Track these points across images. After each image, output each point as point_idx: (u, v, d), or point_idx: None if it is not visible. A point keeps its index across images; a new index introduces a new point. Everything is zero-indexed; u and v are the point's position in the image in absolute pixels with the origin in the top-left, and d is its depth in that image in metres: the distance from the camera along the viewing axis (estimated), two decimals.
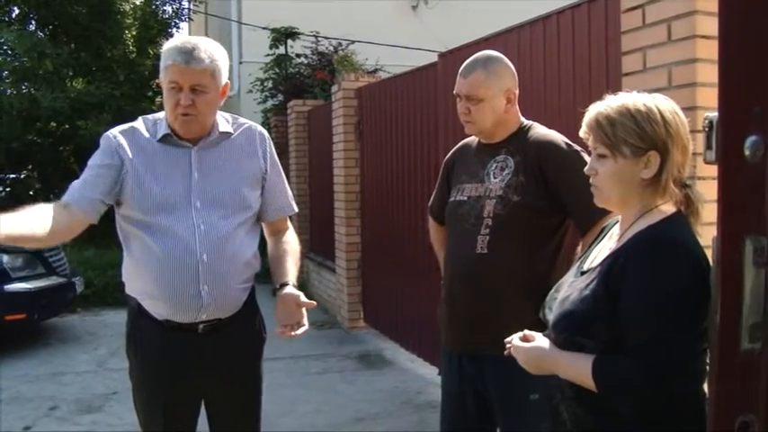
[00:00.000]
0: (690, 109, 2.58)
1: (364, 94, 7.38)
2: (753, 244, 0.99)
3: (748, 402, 0.94)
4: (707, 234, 1.50)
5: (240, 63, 12.92)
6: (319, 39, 10.89)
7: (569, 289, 1.85)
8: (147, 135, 2.54)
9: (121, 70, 13.03)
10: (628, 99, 1.76)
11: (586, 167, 1.86)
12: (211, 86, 2.47)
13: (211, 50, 2.46)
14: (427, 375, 5.84)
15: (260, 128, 2.75)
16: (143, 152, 2.51)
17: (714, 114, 1.09)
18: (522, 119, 2.79)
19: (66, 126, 12.24)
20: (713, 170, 1.09)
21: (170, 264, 2.44)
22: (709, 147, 1.22)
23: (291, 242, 2.82)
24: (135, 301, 2.58)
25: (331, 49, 10.82)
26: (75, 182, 2.50)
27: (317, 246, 9.38)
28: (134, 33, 13.82)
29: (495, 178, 2.70)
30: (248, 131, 2.70)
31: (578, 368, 1.71)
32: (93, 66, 12.63)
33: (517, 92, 2.75)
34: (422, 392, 5.51)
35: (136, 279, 2.54)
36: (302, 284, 9.92)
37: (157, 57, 13.05)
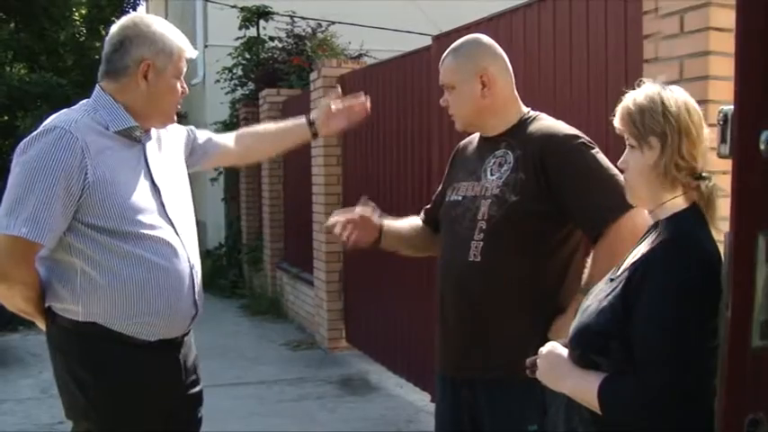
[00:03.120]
0: (701, 102, 2.67)
1: (347, 82, 7.36)
2: (766, 240, 1.08)
3: (758, 400, 1.02)
4: (720, 227, 1.59)
5: (205, 47, 12.87)
6: (295, 20, 10.90)
7: (592, 299, 1.89)
8: (99, 127, 2.52)
9: (69, 54, 12.96)
10: (652, 87, 1.85)
11: (620, 161, 1.93)
12: None
13: None
14: (418, 402, 5.86)
15: None
16: (104, 149, 2.49)
17: (729, 107, 1.19)
18: (525, 109, 2.78)
19: (5, 118, 12.18)
20: (724, 164, 1.18)
21: (172, 277, 2.53)
22: (723, 140, 1.31)
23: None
24: (98, 328, 2.48)
25: (309, 31, 10.82)
26: (36, 203, 2.35)
27: (293, 255, 9.37)
28: (83, 13, 13.78)
29: (492, 175, 2.66)
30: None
31: (585, 386, 1.77)
32: (36, 49, 12.57)
33: (501, 76, 2.72)
34: (412, 421, 5.54)
35: (115, 301, 2.47)
36: (275, 299, 9.89)
37: None
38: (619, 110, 1.87)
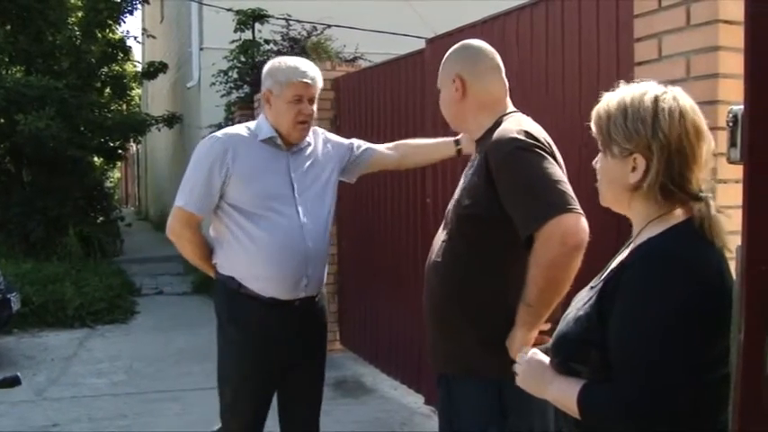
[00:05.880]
0: (710, 103, 2.58)
1: (342, 85, 7.38)
2: None
3: None
4: (731, 244, 1.49)
5: (201, 50, 12.87)
6: (291, 22, 10.86)
7: (572, 307, 1.87)
8: (250, 137, 3.38)
9: (66, 58, 12.90)
10: (626, 92, 1.77)
11: (594, 161, 1.87)
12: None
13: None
14: (412, 404, 5.84)
15: (314, 127, 3.57)
16: (248, 151, 3.34)
17: (740, 107, 1.09)
18: (509, 110, 2.75)
19: (2, 120, 12.12)
20: (736, 171, 1.08)
21: (287, 249, 3.27)
22: (733, 144, 1.21)
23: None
24: (235, 282, 3.34)
25: (304, 34, 10.80)
26: (192, 186, 3.34)
27: None
28: (80, 16, 13.72)
29: (464, 179, 2.74)
30: (316, 135, 3.59)
31: (566, 394, 1.74)
32: (32, 52, 12.51)
33: (476, 80, 2.72)
34: (406, 423, 5.50)
35: (244, 263, 3.32)
36: None
37: (107, 43, 12.83)
38: (595, 109, 1.82)
